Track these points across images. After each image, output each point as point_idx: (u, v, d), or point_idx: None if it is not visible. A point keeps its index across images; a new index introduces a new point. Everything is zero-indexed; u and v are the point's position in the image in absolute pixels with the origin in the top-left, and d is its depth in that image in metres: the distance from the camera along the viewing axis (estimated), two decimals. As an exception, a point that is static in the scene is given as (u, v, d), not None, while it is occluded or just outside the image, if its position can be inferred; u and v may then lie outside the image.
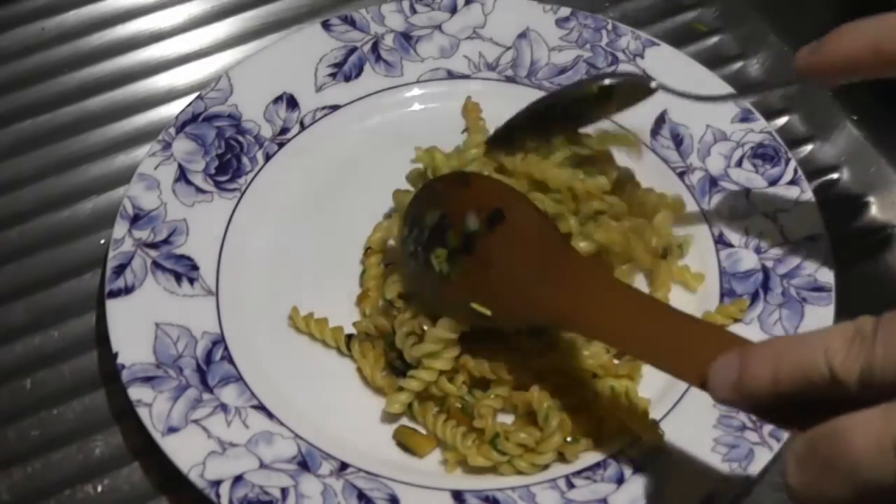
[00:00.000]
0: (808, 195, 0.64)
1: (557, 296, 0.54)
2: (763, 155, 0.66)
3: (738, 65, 0.75)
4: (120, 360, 0.58)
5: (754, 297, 0.61)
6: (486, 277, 0.56)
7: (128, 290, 0.61)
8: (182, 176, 0.65)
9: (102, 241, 0.67)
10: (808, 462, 0.41)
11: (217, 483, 0.54)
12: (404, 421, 0.59)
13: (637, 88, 0.62)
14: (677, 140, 0.68)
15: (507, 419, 0.59)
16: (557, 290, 0.54)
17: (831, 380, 0.41)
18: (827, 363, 0.41)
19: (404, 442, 0.58)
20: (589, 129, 0.63)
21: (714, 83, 0.69)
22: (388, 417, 0.59)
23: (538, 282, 0.55)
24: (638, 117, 0.68)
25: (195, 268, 0.63)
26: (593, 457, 0.57)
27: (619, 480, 0.55)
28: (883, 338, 0.41)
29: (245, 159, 0.67)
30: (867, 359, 0.41)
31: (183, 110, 0.68)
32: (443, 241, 0.57)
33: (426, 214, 0.58)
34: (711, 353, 0.46)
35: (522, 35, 0.72)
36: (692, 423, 0.57)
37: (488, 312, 0.55)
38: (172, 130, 0.67)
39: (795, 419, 0.43)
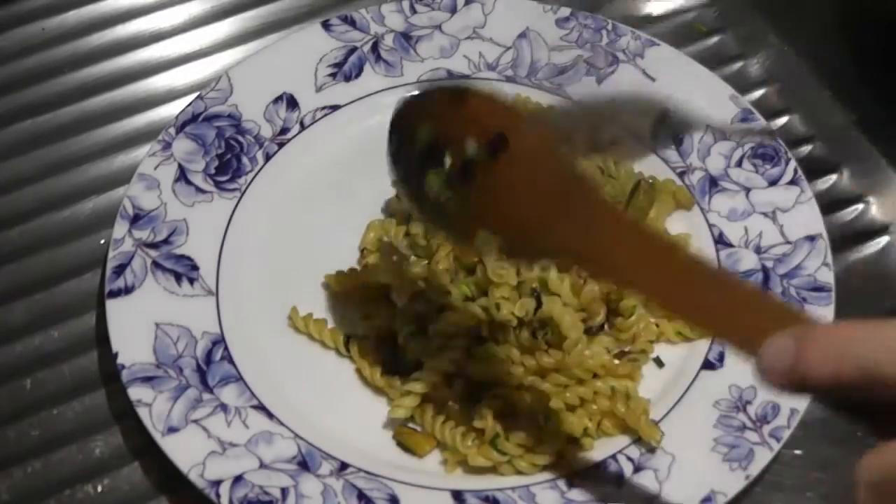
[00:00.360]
0: (808, 195, 0.64)
1: (572, 231, 0.48)
2: (763, 155, 0.66)
3: (738, 65, 0.75)
4: (120, 360, 0.58)
5: (754, 297, 0.61)
6: (491, 208, 0.50)
7: (128, 290, 0.61)
8: (182, 176, 0.65)
9: (102, 241, 0.67)
10: (888, 496, 0.37)
11: (217, 483, 0.54)
12: (404, 421, 0.59)
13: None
14: (677, 140, 0.68)
15: (507, 419, 0.59)
16: (573, 226, 0.48)
17: None
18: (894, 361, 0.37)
19: (404, 442, 0.58)
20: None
21: (714, 83, 0.69)
22: (388, 417, 0.59)
23: (551, 217, 0.49)
24: (638, 117, 0.68)
25: (195, 268, 0.63)
26: (593, 457, 0.57)
27: (619, 480, 0.55)
28: None
29: (245, 159, 0.67)
30: None
31: (183, 110, 0.68)
32: (440, 163, 0.51)
33: (418, 129, 0.52)
34: (760, 325, 0.42)
35: (522, 35, 0.72)
36: (692, 423, 0.57)
37: (498, 240, 0.50)
38: (172, 130, 0.67)
39: (864, 409, 0.39)
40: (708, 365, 0.60)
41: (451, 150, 0.50)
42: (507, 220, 0.50)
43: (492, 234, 0.50)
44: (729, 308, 0.45)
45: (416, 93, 0.54)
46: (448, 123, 0.51)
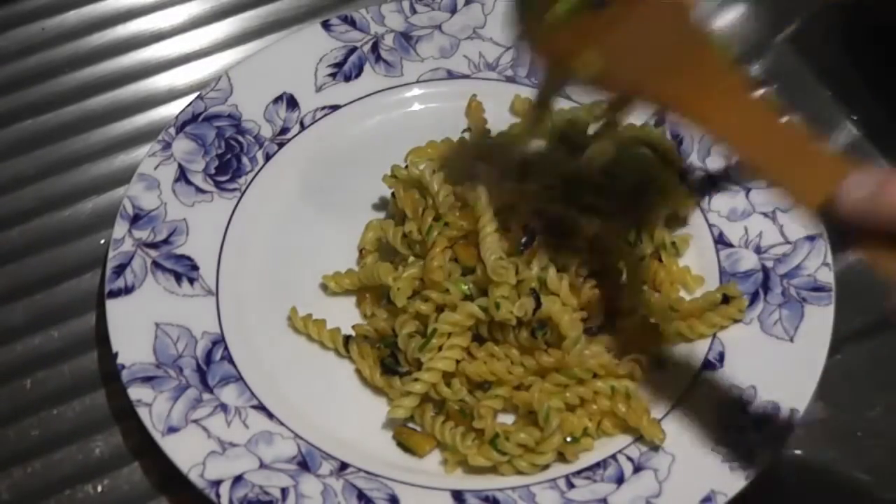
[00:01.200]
0: (809, 195, 0.64)
1: (669, 80, 0.50)
2: (763, 155, 0.66)
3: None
4: (120, 360, 0.58)
5: (754, 297, 0.61)
6: (606, 35, 0.51)
7: (128, 290, 0.61)
8: (182, 176, 0.65)
9: (102, 241, 0.67)
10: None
11: (217, 483, 0.54)
12: (404, 421, 0.59)
13: None
14: (677, 140, 0.68)
15: (508, 419, 0.59)
16: (671, 75, 0.50)
17: None
18: None
19: (404, 442, 0.58)
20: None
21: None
22: (388, 417, 0.59)
23: (656, 62, 0.51)
24: (638, 118, 0.68)
25: (195, 268, 0.63)
26: (593, 457, 0.57)
27: (619, 480, 0.55)
28: None
29: (245, 159, 0.67)
30: None
31: (183, 110, 0.68)
32: None
33: None
34: (836, 177, 0.44)
35: (522, 35, 0.72)
36: (692, 423, 0.57)
37: (594, 69, 0.51)
38: (172, 130, 0.67)
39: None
40: (708, 365, 0.60)
41: None
42: (621, 53, 0.51)
43: (600, 55, 0.51)
44: (805, 158, 0.47)
45: None
46: None
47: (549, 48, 0.53)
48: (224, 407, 0.58)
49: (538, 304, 0.58)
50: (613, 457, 0.57)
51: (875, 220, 0.43)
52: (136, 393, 0.57)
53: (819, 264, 0.62)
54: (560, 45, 0.52)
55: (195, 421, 0.57)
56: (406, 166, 0.64)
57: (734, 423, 0.57)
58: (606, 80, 0.52)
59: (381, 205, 0.66)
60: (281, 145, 0.68)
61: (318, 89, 0.70)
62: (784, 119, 0.50)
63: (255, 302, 0.62)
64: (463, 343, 0.58)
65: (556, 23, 0.52)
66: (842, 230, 0.45)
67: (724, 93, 0.50)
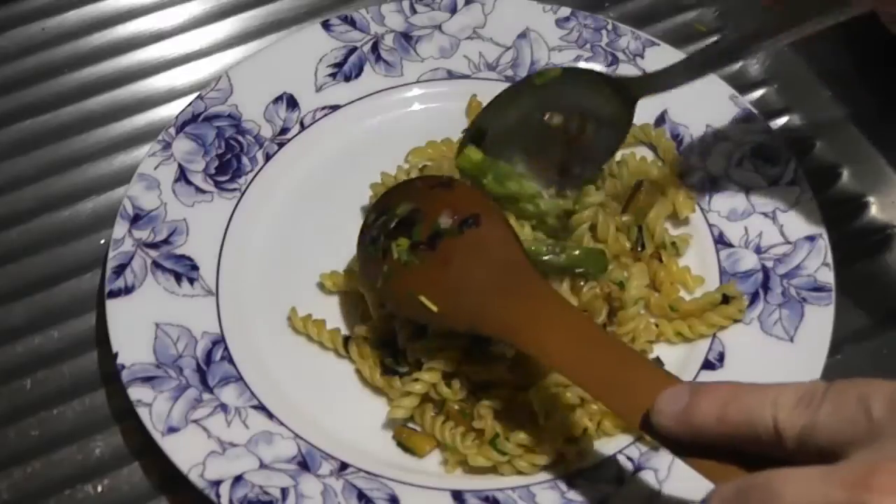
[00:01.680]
0: (808, 195, 0.64)
1: (507, 309, 0.54)
2: (763, 155, 0.66)
3: (738, 65, 0.75)
4: (120, 360, 0.58)
5: (754, 297, 0.61)
6: (442, 275, 0.56)
7: (128, 290, 0.61)
8: (182, 176, 0.65)
9: (102, 241, 0.67)
10: None
11: (217, 483, 0.54)
12: (404, 421, 0.59)
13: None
14: (677, 140, 0.68)
15: (507, 419, 0.59)
16: (508, 304, 0.54)
17: (773, 431, 0.42)
18: (772, 414, 0.43)
19: (404, 442, 0.58)
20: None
21: (714, 83, 0.69)
22: (388, 417, 0.59)
23: (491, 292, 0.55)
24: (638, 118, 0.68)
25: (195, 268, 0.63)
26: (593, 457, 0.57)
27: (619, 480, 0.55)
28: (831, 400, 0.42)
29: (245, 159, 0.67)
30: (811, 418, 0.42)
31: (183, 110, 0.68)
32: (408, 233, 0.58)
33: (398, 205, 0.59)
34: (654, 393, 0.47)
35: (522, 35, 0.72)
36: (692, 423, 0.57)
37: (434, 308, 0.56)
38: (172, 130, 0.67)
39: (722, 471, 0.45)
40: (708, 365, 0.60)
41: (424, 224, 0.58)
42: (452, 287, 0.56)
43: (432, 300, 0.56)
44: (625, 376, 0.50)
45: (407, 179, 0.62)
46: (429, 200, 0.59)
47: (395, 290, 0.58)
48: (224, 407, 0.58)
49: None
50: (613, 457, 0.56)
51: (689, 433, 0.46)
52: (136, 393, 0.57)
53: (819, 264, 0.62)
54: (406, 284, 0.57)
55: (195, 421, 0.57)
56: (397, 172, 0.64)
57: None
58: (444, 319, 0.56)
59: (381, 205, 0.66)
60: (281, 145, 0.68)
61: (318, 89, 0.70)
62: (605, 332, 0.55)
63: (255, 302, 0.62)
64: (462, 344, 0.58)
65: (397, 267, 0.57)
66: (665, 442, 0.47)
67: (548, 319, 0.53)
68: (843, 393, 0.42)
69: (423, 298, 0.56)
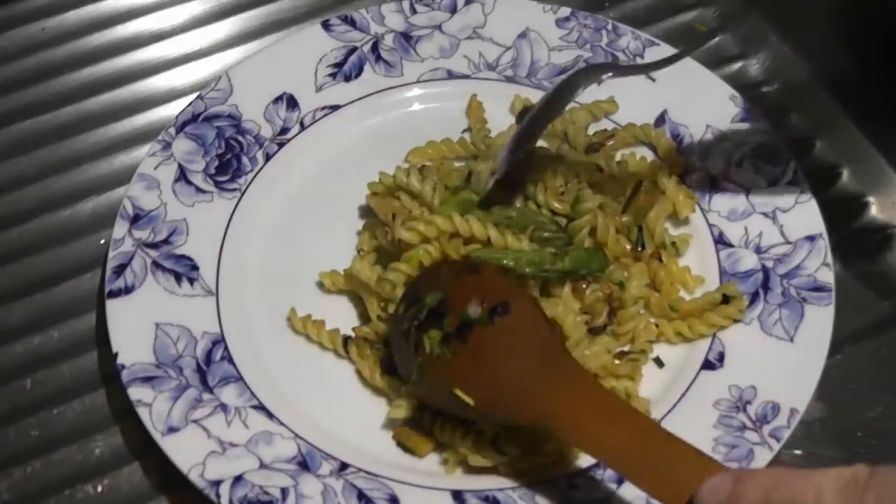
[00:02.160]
0: (808, 195, 0.64)
1: (544, 398, 0.53)
2: (763, 155, 0.66)
3: (738, 65, 0.75)
4: (120, 360, 0.58)
5: (754, 297, 0.61)
6: (475, 367, 0.55)
7: (128, 290, 0.61)
8: (182, 176, 0.65)
9: (102, 241, 0.67)
10: None
11: (217, 483, 0.54)
12: (404, 421, 0.59)
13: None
14: (677, 140, 0.68)
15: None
16: (545, 392, 0.53)
17: None
18: None
19: (404, 442, 0.58)
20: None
21: (714, 83, 0.69)
22: (388, 417, 0.59)
23: (527, 381, 0.54)
24: (639, 118, 0.68)
25: (195, 268, 0.63)
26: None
27: (620, 480, 0.55)
28: (874, 490, 0.42)
29: (245, 159, 0.67)
30: None
31: (183, 110, 0.68)
32: (439, 324, 0.56)
33: (427, 295, 0.57)
34: (695, 478, 0.47)
35: (522, 35, 0.72)
36: (692, 423, 0.57)
37: (470, 401, 0.54)
38: (172, 130, 0.67)
39: None
40: (708, 365, 0.60)
41: (453, 314, 0.56)
42: (486, 379, 0.55)
43: (466, 393, 0.54)
44: (667, 462, 0.50)
45: (434, 264, 0.60)
46: (456, 288, 0.57)
47: (430, 384, 0.56)
48: (224, 407, 0.58)
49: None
50: (613, 457, 0.56)
51: None
52: (136, 393, 0.57)
53: (819, 264, 0.62)
54: (441, 378, 0.55)
55: (195, 421, 0.57)
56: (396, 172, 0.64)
57: (734, 423, 0.57)
58: (480, 411, 0.55)
59: (381, 205, 0.66)
60: (281, 145, 0.68)
61: (318, 89, 0.70)
62: (646, 417, 0.54)
63: (255, 302, 0.62)
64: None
65: (432, 357, 0.56)
66: None
67: (587, 405, 0.52)
68: (887, 484, 0.42)
69: (458, 392, 0.54)
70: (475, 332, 0.55)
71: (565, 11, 0.72)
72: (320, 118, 0.69)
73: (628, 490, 0.55)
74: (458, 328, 0.56)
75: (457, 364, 0.55)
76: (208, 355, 0.59)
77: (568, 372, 0.54)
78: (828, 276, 0.61)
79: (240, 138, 0.67)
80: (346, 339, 0.61)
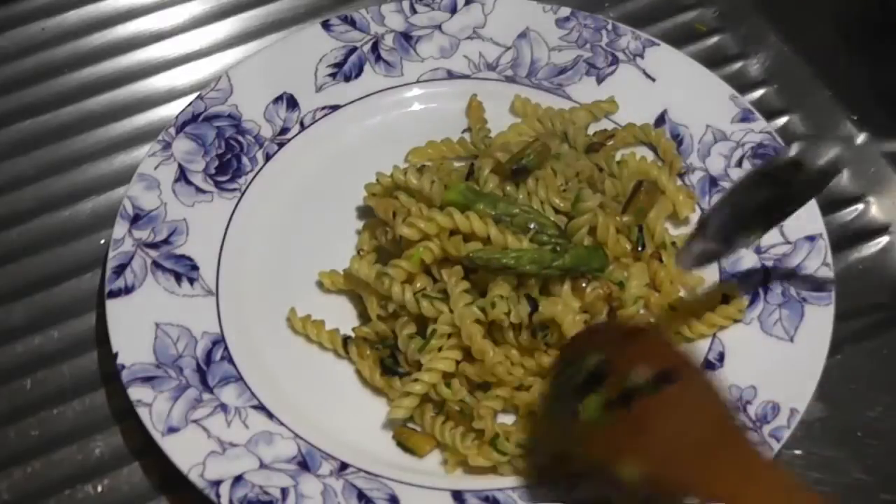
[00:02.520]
0: (808, 195, 0.64)
1: (717, 478, 0.49)
2: (763, 155, 0.66)
3: (738, 65, 0.75)
4: (120, 360, 0.58)
5: (754, 297, 0.61)
6: (640, 439, 0.51)
7: (128, 290, 0.61)
8: (182, 176, 0.65)
9: (102, 241, 0.67)
10: None
11: (217, 483, 0.54)
12: (404, 421, 0.59)
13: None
14: (677, 140, 0.68)
15: (508, 419, 0.59)
16: (717, 472, 0.49)
17: None
18: None
19: (404, 442, 0.58)
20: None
21: (714, 83, 0.69)
22: (388, 417, 0.59)
23: (697, 458, 0.50)
24: (639, 118, 0.68)
25: (195, 268, 0.62)
26: (593, 457, 0.57)
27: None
28: None
29: (245, 159, 0.67)
30: None
31: (183, 110, 0.68)
32: (599, 389, 0.52)
33: (586, 357, 0.54)
34: None
35: (522, 35, 0.72)
36: (692, 423, 0.57)
37: (636, 474, 0.50)
38: (172, 130, 0.67)
39: None
40: (708, 365, 0.60)
41: (615, 379, 0.52)
42: (651, 454, 0.51)
43: (634, 465, 0.50)
44: None
45: (595, 324, 0.57)
46: (618, 351, 0.54)
47: (590, 451, 0.53)
48: (224, 407, 0.58)
49: (534, 309, 0.58)
50: (613, 457, 0.56)
51: None
52: (136, 393, 0.57)
53: (819, 264, 0.62)
54: (600, 448, 0.52)
55: (195, 421, 0.57)
56: (393, 172, 0.64)
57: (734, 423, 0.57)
58: (651, 483, 0.50)
59: (381, 205, 0.66)
60: (281, 145, 0.68)
61: (318, 89, 0.70)
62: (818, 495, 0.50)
63: (255, 302, 0.62)
64: (462, 344, 0.58)
65: (590, 425, 0.52)
66: None
67: (762, 486, 0.49)
68: None
69: (621, 465, 0.50)
70: (638, 401, 0.51)
71: (565, 11, 0.72)
72: (320, 118, 0.69)
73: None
74: (620, 396, 0.51)
75: (619, 435, 0.51)
76: (208, 355, 0.59)
77: (742, 453, 0.50)
78: (828, 276, 0.61)
79: (240, 138, 0.67)
80: (346, 339, 0.61)
